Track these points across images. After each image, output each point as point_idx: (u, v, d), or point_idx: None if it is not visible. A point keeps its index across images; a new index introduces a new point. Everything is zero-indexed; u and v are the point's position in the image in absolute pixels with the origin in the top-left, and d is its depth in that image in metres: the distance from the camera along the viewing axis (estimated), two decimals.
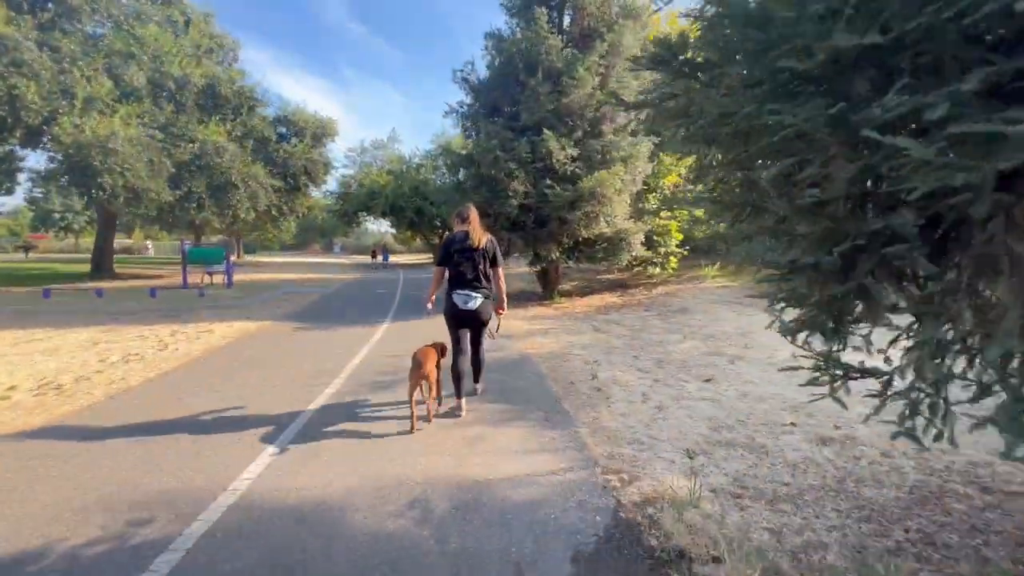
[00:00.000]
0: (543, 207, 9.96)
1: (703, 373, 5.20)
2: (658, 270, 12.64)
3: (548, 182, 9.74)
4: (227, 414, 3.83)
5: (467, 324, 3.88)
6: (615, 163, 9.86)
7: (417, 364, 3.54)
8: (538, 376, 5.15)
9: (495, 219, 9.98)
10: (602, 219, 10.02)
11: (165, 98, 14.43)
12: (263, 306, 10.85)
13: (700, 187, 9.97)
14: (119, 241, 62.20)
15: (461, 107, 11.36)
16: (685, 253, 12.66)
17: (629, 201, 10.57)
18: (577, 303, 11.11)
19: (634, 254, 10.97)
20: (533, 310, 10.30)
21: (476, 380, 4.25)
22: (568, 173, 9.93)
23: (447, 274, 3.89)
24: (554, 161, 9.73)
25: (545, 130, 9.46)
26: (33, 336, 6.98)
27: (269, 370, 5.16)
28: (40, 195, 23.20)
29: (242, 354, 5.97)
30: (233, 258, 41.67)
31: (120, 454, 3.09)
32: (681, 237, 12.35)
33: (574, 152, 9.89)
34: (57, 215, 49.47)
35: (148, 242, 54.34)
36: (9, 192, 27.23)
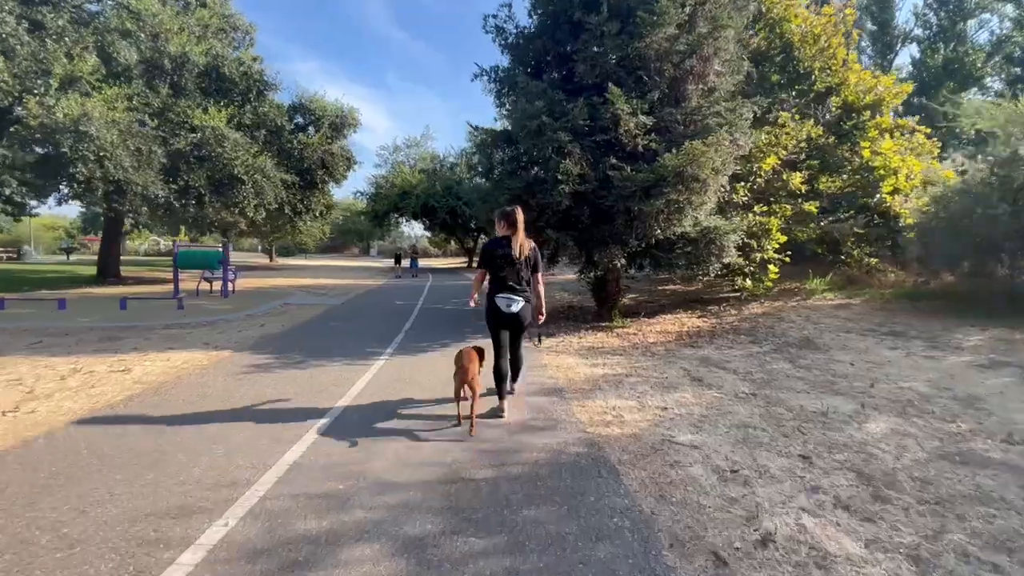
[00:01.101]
0: (604, 196, 7.22)
1: (1013, 541, 2.33)
2: (748, 283, 9.61)
3: (613, 161, 7.01)
4: None
5: (509, 326, 3.96)
6: (709, 132, 7.00)
7: (461, 367, 3.66)
8: (634, 521, 2.44)
9: (539, 213, 7.34)
10: (689, 212, 7.19)
11: (161, 80, 12.67)
12: (243, 324, 8.62)
13: (801, 175, 6.65)
14: (165, 243, 63.71)
15: (494, 72, 8.80)
16: (786, 260, 9.57)
17: (727, 187, 7.69)
18: (646, 327, 8.27)
19: (725, 261, 8.04)
20: (589, 337, 7.56)
21: (514, 380, 4.32)
22: (640, 149, 7.17)
23: (488, 277, 3.98)
24: (621, 132, 6.99)
25: (611, 86, 6.74)
26: None
27: (107, 490, 2.70)
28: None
29: (104, 441, 3.56)
30: (262, 260, 40.74)
31: None
32: (784, 239, 9.28)
33: (647, 120, 7.12)
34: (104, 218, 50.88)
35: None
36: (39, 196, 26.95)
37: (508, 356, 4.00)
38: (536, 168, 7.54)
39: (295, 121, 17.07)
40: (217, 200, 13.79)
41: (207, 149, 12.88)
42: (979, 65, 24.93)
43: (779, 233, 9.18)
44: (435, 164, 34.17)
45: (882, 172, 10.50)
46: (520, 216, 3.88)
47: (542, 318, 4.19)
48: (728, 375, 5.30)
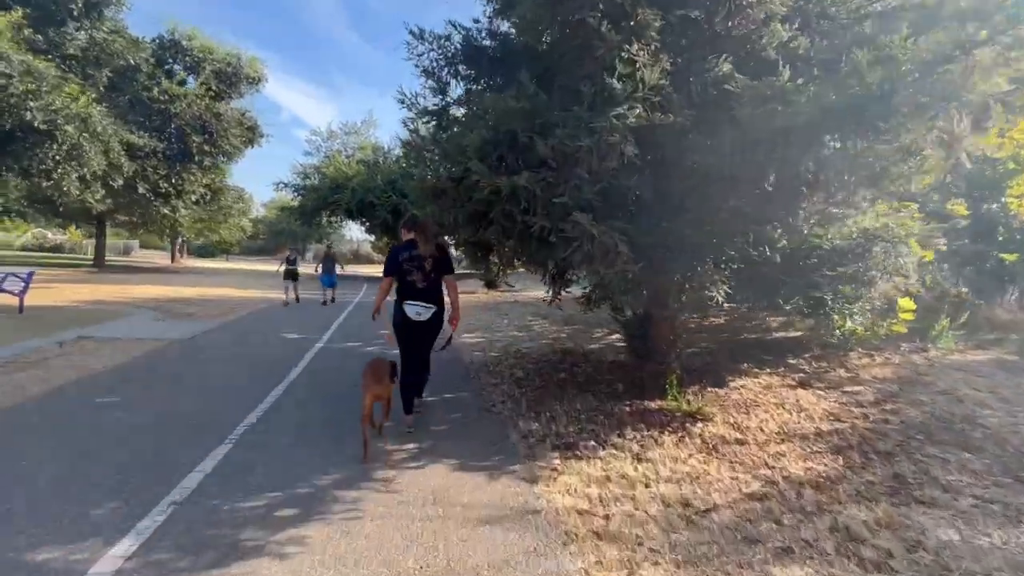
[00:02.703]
0: (695, 145, 3.23)
1: None
2: (851, 323, 5.97)
3: (723, 70, 3.04)
4: None
5: (418, 336, 3.74)
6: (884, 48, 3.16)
7: (372, 380, 3.25)
8: None
9: (555, 176, 3.21)
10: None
11: None
12: None
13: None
14: (52, 238, 53.71)
15: None
16: (919, 291, 6.04)
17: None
18: (737, 412, 4.35)
19: (886, 288, 4.31)
20: (652, 448, 3.48)
21: (419, 394, 4.01)
22: (772, 54, 3.26)
23: (396, 285, 3.80)
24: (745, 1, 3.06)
25: None
26: None
27: None
28: None
29: None
30: (164, 261, 33.72)
31: None
32: (929, 255, 5.74)
33: None
34: None
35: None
36: None
37: (417, 369, 3.81)
38: (556, 64, 3.44)
39: (166, 66, 11.94)
40: (1, 163, 8.60)
41: None
42: None
43: (921, 247, 5.60)
44: (378, 156, 29.35)
45: (1013, 166, 7.34)
46: (424, 220, 3.80)
47: (455, 325, 3.86)
48: None
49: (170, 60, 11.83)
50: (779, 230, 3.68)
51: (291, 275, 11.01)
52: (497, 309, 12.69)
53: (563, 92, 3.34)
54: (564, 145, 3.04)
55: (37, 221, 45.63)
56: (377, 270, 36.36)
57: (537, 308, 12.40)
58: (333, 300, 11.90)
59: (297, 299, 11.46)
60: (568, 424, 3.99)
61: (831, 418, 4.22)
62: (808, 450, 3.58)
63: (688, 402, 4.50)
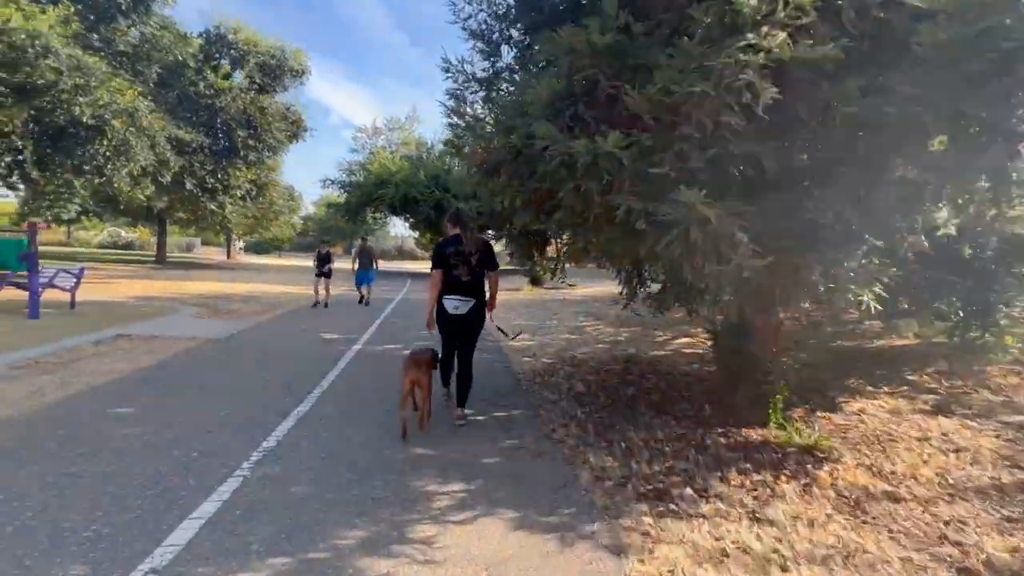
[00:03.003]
0: (847, 85, 2.30)
1: None
2: (993, 333, 4.76)
3: None
4: None
5: (459, 330, 3.74)
6: None
7: (410, 369, 3.36)
8: None
9: (651, 141, 2.39)
10: None
11: None
12: None
13: None
14: (126, 236, 57.31)
15: None
16: None
17: None
18: (862, 448, 3.38)
19: None
20: (768, 500, 2.59)
21: (462, 404, 3.77)
22: None
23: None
24: None
25: None
26: None
27: None
28: None
29: None
30: (221, 258, 35.17)
31: None
32: None
33: None
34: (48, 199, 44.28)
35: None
36: None
37: (455, 367, 3.81)
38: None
39: (213, 62, 11.90)
40: (54, 159, 8.66)
41: (34, 74, 7.76)
42: None
43: None
44: (421, 152, 29.20)
45: None
46: (465, 216, 3.93)
47: (492, 310, 3.89)
48: None
49: (216, 55, 11.82)
50: (946, 211, 2.70)
51: (323, 268, 10.11)
52: (544, 308, 11.92)
53: (658, 26, 2.50)
54: (666, 95, 2.21)
55: (110, 220, 48.74)
56: (420, 266, 36.44)
57: (587, 307, 11.53)
58: (366, 300, 11.00)
59: (327, 304, 10.47)
60: (651, 460, 3.17)
61: (1007, 463, 3.18)
62: (998, 515, 2.59)
63: (799, 432, 3.57)
